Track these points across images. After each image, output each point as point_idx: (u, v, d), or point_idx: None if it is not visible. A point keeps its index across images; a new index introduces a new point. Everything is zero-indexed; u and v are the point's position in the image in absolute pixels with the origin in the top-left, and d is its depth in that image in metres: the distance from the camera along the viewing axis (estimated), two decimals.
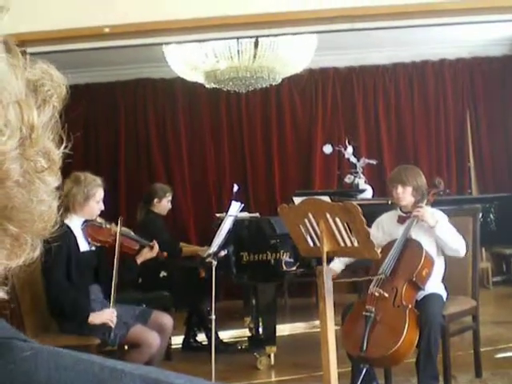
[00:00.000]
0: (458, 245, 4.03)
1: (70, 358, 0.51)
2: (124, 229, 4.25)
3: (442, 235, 4.01)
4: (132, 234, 4.41)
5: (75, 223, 3.88)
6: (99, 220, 4.04)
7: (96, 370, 0.50)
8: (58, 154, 0.52)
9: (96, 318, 3.78)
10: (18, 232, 0.49)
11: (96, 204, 3.92)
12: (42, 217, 0.51)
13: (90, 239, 3.96)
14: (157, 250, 4.35)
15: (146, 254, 4.31)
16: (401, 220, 4.18)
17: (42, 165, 0.50)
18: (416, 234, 4.12)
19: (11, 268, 0.51)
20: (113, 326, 3.79)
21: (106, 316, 3.81)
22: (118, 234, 4.06)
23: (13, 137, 0.47)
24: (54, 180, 0.52)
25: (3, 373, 0.48)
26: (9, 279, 0.51)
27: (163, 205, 5.62)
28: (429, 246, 4.06)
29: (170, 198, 5.67)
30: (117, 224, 4.09)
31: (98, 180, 3.95)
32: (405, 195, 4.14)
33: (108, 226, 4.07)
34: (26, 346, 0.50)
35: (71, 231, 3.82)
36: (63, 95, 0.53)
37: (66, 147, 0.52)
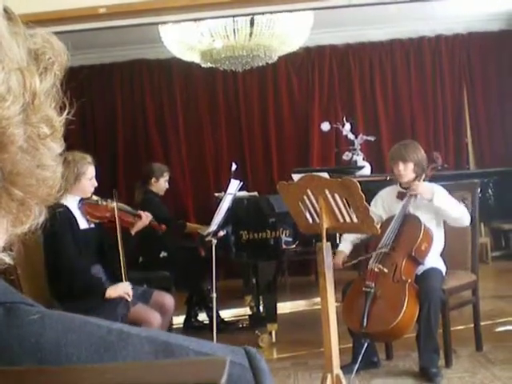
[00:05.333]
0: (459, 213, 4.04)
1: (77, 320, 0.51)
2: (119, 204, 4.31)
3: (441, 206, 4.01)
4: (126, 207, 4.46)
5: (71, 203, 3.89)
6: (95, 198, 4.08)
7: (103, 333, 0.51)
8: (59, 121, 0.52)
9: (112, 291, 3.80)
10: (23, 197, 0.50)
11: (88, 181, 3.93)
12: (46, 182, 0.52)
13: (88, 216, 3.99)
14: (147, 219, 4.41)
15: (138, 224, 4.35)
16: (400, 196, 4.19)
17: (45, 131, 0.51)
18: (415, 210, 4.13)
19: (16, 234, 0.51)
20: (129, 299, 3.82)
21: (123, 289, 3.84)
22: (115, 208, 4.14)
23: (16, 103, 0.47)
24: (57, 146, 0.52)
25: (12, 336, 0.49)
26: (14, 245, 0.52)
27: (160, 184, 5.62)
28: (428, 221, 4.07)
29: (167, 177, 5.68)
30: (112, 200, 4.15)
31: (88, 158, 3.93)
32: (406, 172, 4.14)
33: (104, 202, 4.12)
34: (34, 309, 0.51)
35: (69, 210, 3.84)
36: (64, 63, 0.54)
37: (68, 114, 0.53)
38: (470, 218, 4.07)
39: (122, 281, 4.00)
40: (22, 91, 0.48)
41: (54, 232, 3.52)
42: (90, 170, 3.93)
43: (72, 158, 3.86)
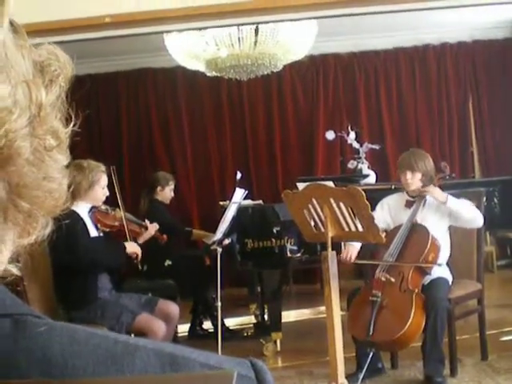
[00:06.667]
0: (473, 214, 4.05)
1: (83, 332, 0.51)
2: (127, 214, 4.40)
3: (455, 207, 4.02)
4: (133, 217, 4.51)
5: (82, 210, 3.92)
6: (103, 207, 4.11)
7: (109, 345, 0.51)
8: (65, 132, 0.53)
9: (130, 246, 4.11)
10: (30, 209, 0.50)
11: (101, 190, 3.96)
12: (52, 194, 0.52)
13: (98, 225, 4.02)
14: (153, 229, 4.45)
15: (145, 235, 4.40)
16: (408, 204, 4.18)
17: (51, 143, 0.51)
18: (422, 219, 4.12)
19: (23, 245, 0.51)
20: (139, 255, 4.12)
21: (136, 246, 4.15)
22: (123, 217, 4.21)
23: (22, 115, 0.48)
24: (63, 158, 0.52)
25: (19, 348, 0.49)
26: (21, 256, 0.52)
27: (166, 193, 5.66)
28: (435, 230, 4.06)
29: (172, 186, 5.71)
30: (120, 209, 4.22)
31: (102, 166, 3.97)
32: (414, 181, 4.14)
33: (113, 212, 4.17)
34: (40, 321, 0.51)
35: (80, 217, 3.86)
36: (69, 75, 0.54)
37: (74, 125, 0.53)
38: (482, 218, 4.07)
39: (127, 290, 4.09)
40: (29, 104, 0.48)
41: (65, 231, 3.53)
42: (104, 179, 3.97)
43: (87, 165, 3.89)
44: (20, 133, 0.47)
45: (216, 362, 0.53)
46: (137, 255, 4.11)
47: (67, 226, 3.58)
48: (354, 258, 4.10)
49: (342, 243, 4.19)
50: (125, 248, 4.04)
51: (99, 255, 3.86)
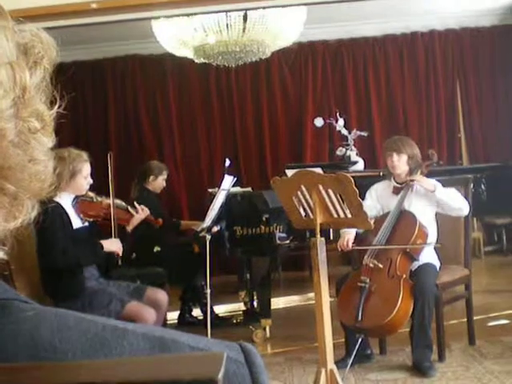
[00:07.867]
0: (460, 203, 4.08)
1: (72, 317, 0.51)
2: (116, 200, 4.29)
3: (443, 197, 4.05)
4: (122, 203, 4.42)
5: (65, 201, 3.81)
6: (90, 194, 4.02)
7: (98, 329, 0.51)
8: (50, 115, 0.52)
9: (108, 244, 3.95)
10: (16, 191, 0.50)
11: (84, 179, 3.83)
12: (38, 176, 0.51)
13: (82, 215, 3.94)
14: (144, 213, 4.39)
15: (134, 219, 4.34)
16: (396, 191, 4.20)
17: (36, 125, 0.50)
18: (410, 205, 4.14)
19: (9, 229, 0.51)
20: (120, 254, 4.01)
21: (117, 244, 4.00)
22: (112, 205, 4.12)
23: (6, 97, 0.47)
24: (48, 141, 0.52)
25: (6, 332, 0.48)
26: (8, 240, 0.51)
27: (158, 183, 5.63)
28: (423, 216, 4.08)
29: (165, 176, 5.69)
30: (107, 197, 4.12)
31: (84, 155, 3.83)
32: (400, 163, 4.16)
33: (99, 199, 4.08)
34: (28, 306, 0.50)
35: (62, 209, 3.78)
36: (53, 57, 0.53)
37: (59, 107, 0.52)
38: (468, 207, 4.10)
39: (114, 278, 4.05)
40: (13, 85, 0.48)
41: (45, 228, 3.48)
42: (86, 168, 3.83)
43: (68, 154, 3.77)
44: (4, 114, 0.47)
45: (205, 345, 0.53)
46: (117, 254, 4.02)
47: (49, 222, 3.49)
48: (350, 244, 4.10)
49: (341, 231, 4.19)
50: (102, 247, 3.91)
51: (74, 257, 3.77)
